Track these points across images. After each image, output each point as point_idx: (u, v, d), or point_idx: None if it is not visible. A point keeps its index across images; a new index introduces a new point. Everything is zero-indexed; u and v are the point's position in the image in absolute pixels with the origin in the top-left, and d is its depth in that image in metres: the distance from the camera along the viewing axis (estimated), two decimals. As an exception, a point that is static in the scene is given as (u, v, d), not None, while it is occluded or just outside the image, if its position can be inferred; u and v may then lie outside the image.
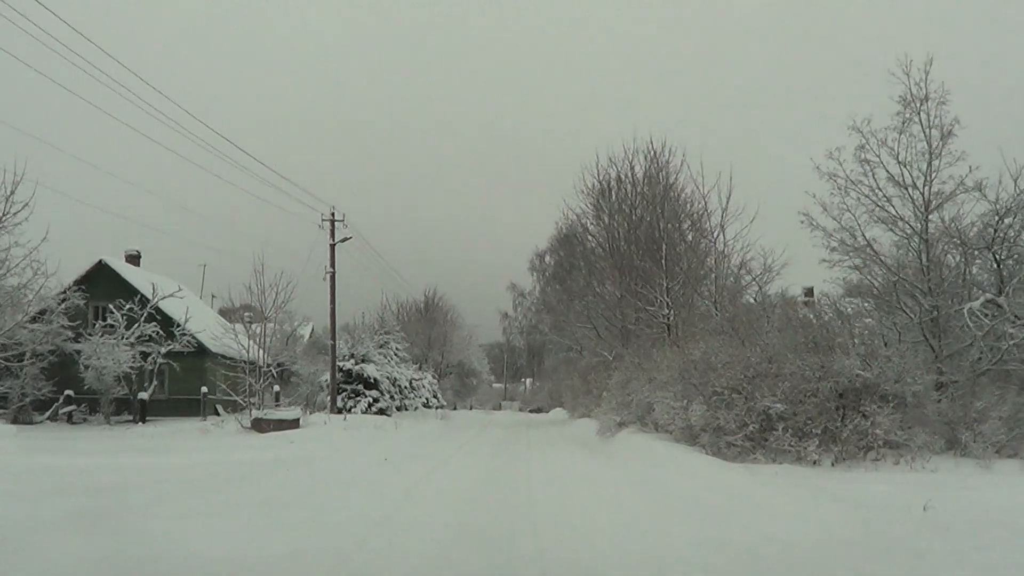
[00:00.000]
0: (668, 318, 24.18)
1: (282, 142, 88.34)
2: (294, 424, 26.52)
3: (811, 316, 18.38)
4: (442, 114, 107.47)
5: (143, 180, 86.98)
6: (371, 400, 31.56)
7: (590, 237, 33.41)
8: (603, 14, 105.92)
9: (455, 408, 59.53)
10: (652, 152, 26.05)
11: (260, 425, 25.92)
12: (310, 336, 46.90)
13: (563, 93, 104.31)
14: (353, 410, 30.92)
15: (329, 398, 30.62)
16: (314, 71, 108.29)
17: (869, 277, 17.00)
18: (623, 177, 28.70)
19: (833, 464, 12.87)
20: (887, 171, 15.49)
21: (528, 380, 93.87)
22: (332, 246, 29.81)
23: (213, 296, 44.25)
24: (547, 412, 63.58)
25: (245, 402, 26.54)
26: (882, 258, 16.07)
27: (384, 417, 29.98)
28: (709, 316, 22.52)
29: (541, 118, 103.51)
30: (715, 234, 22.90)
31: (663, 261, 24.11)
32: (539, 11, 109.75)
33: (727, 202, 22.90)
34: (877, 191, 15.64)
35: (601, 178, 30.79)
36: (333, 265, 29.84)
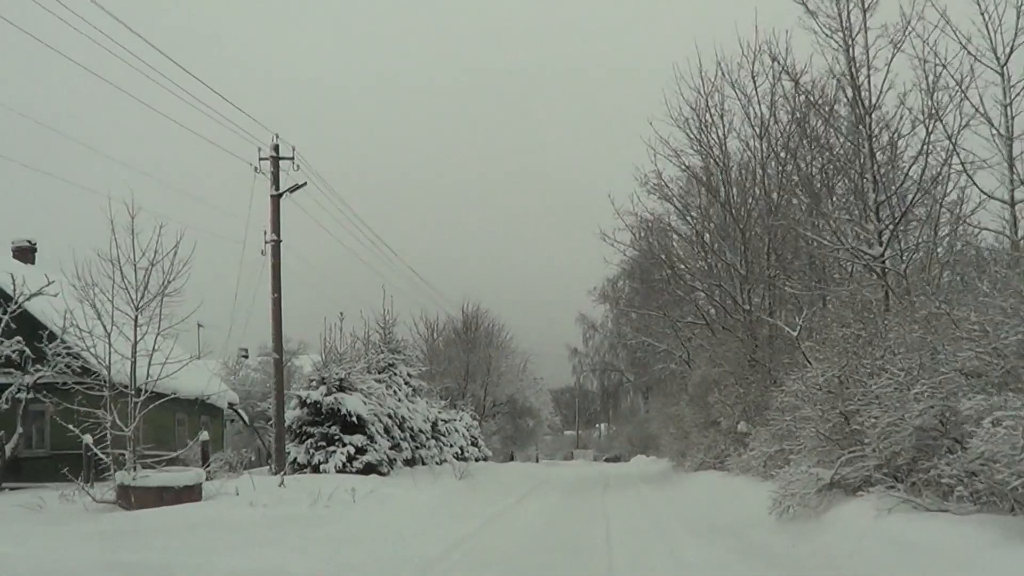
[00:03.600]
0: (883, 258, 11.78)
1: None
2: (191, 494, 14.94)
3: None
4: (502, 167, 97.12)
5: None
6: (353, 450, 19.64)
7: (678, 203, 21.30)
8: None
9: (512, 459, 46.54)
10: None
11: (128, 496, 14.54)
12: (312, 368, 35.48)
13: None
14: (323, 466, 19.11)
15: (286, 447, 18.96)
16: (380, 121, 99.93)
17: None
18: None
19: None
20: None
21: (602, 425, 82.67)
22: (275, 198, 18.33)
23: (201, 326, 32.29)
24: (627, 461, 51.74)
25: (104, 456, 15.19)
26: None
27: (368, 478, 18.08)
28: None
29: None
30: (1001, 60, 10.36)
31: (868, 148, 11.75)
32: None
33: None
34: None
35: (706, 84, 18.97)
36: (277, 231, 18.36)
